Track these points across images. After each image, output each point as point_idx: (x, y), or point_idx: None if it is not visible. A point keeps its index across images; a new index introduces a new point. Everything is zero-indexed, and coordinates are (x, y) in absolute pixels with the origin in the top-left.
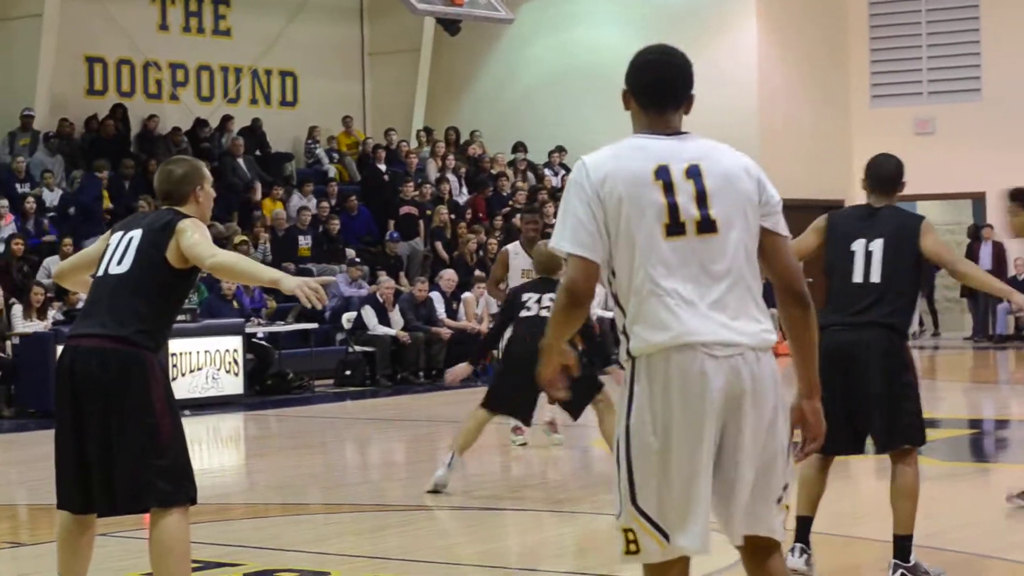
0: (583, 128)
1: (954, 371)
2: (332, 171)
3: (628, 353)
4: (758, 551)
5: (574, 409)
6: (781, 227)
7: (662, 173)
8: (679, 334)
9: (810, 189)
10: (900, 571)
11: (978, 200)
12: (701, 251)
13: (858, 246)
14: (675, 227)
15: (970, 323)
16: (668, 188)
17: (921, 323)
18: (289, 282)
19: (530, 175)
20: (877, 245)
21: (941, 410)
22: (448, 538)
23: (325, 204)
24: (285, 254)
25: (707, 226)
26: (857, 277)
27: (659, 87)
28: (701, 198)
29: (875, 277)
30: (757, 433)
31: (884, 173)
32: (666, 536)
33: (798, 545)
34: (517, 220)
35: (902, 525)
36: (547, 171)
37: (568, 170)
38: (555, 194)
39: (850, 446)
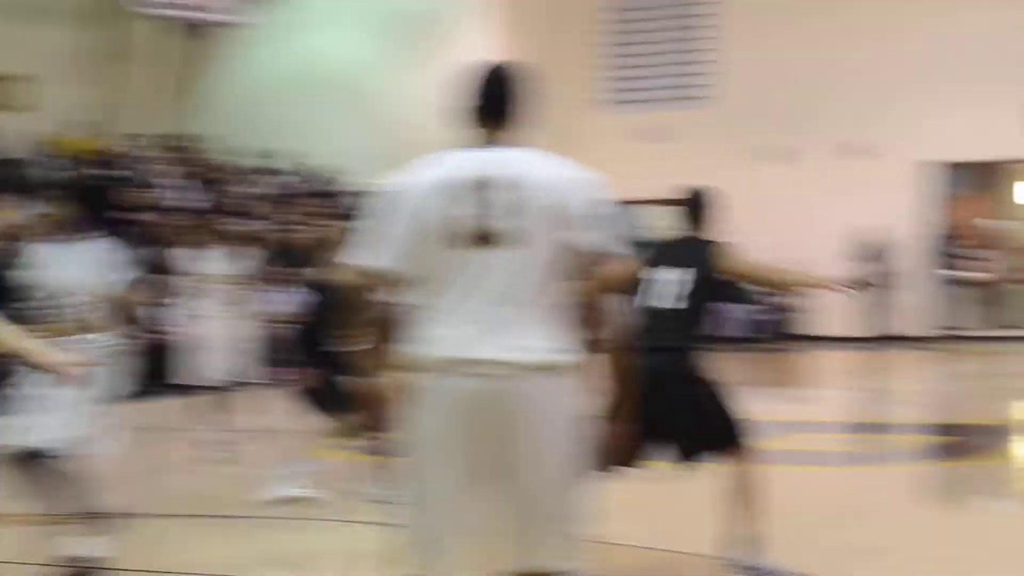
0: (323, 134)
1: None
2: (68, 177)
3: (406, 362)
4: None
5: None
6: (599, 245)
7: (461, 183)
8: (445, 348)
9: None
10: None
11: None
12: (484, 265)
13: (663, 273)
14: (460, 239)
15: None
16: (462, 199)
17: None
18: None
19: (269, 180)
20: (681, 273)
21: None
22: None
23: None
24: None
25: (496, 238)
26: (664, 303)
27: (481, 103)
28: (497, 209)
29: (681, 303)
30: (527, 457)
31: (689, 204)
32: (429, 558)
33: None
34: (256, 226)
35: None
36: (286, 177)
37: (303, 176)
38: (293, 200)
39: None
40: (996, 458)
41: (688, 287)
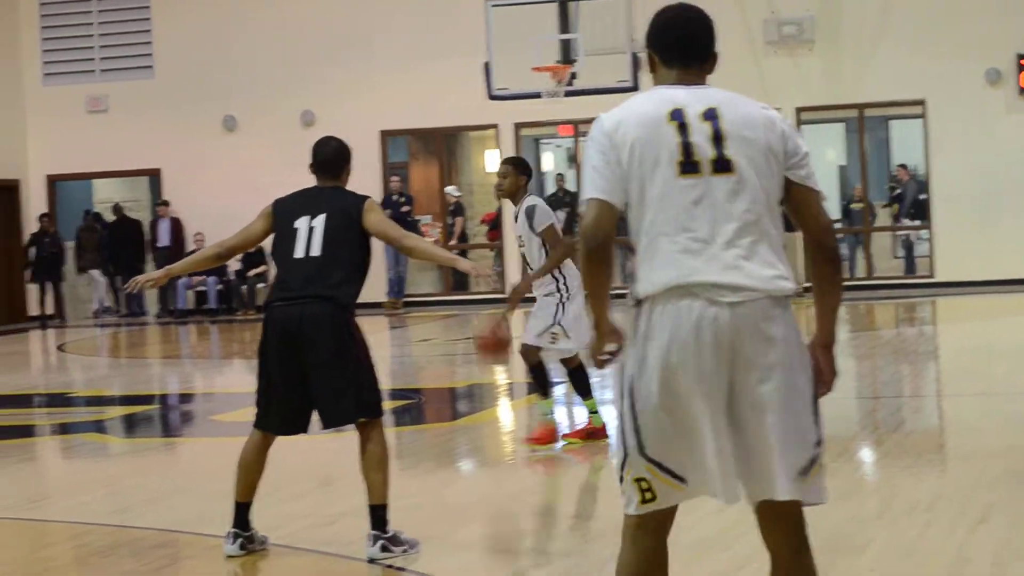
0: None
1: (137, 348)
2: None
3: (634, 297)
4: (778, 517)
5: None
6: (811, 181)
7: (677, 115)
8: (683, 274)
9: None
10: (380, 541)
11: (155, 177)
12: (715, 191)
13: (301, 223)
14: (689, 166)
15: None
16: (682, 128)
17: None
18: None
19: None
20: (319, 221)
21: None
22: None
23: None
24: None
25: (723, 166)
26: (299, 253)
27: (682, 43)
28: (717, 138)
29: (315, 251)
30: (769, 385)
31: (323, 156)
32: (682, 480)
33: (233, 531)
34: None
35: (377, 496)
36: None
37: None
38: None
39: (297, 425)
40: (456, 421)
41: (330, 235)
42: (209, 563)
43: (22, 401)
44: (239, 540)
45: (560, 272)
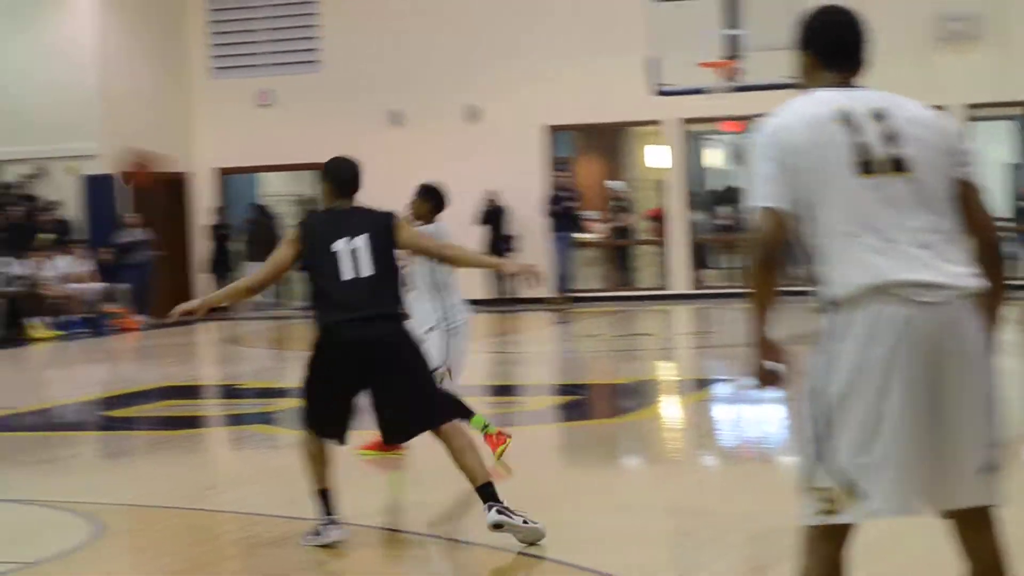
0: None
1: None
2: None
3: (825, 299)
4: (975, 523)
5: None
6: (974, 176)
7: (844, 116)
8: (877, 274)
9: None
10: (495, 507)
11: (317, 171)
12: (897, 190)
13: (340, 246)
14: (866, 165)
15: None
16: (853, 128)
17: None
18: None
19: None
20: (361, 242)
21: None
22: None
23: None
24: None
25: (900, 165)
26: (348, 275)
27: (842, 45)
28: (890, 138)
29: (366, 271)
30: (963, 387)
31: (347, 176)
32: (860, 494)
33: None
34: None
35: (481, 476)
36: None
37: None
38: None
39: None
40: (624, 417)
41: (376, 254)
42: (375, 551)
43: (192, 392)
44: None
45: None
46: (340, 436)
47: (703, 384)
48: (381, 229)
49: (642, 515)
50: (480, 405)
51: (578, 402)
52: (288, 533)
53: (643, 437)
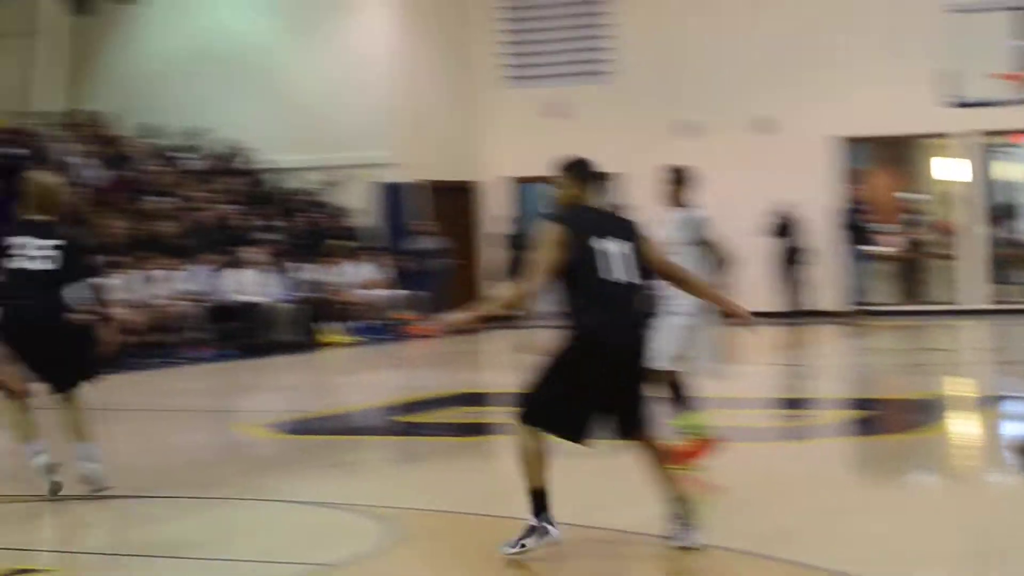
0: (217, 111)
1: None
2: None
3: None
4: None
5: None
6: None
7: None
8: None
9: (441, 171)
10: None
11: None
12: None
13: (611, 246)
14: None
15: None
16: None
17: None
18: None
19: (175, 158)
20: (629, 248)
21: None
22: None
23: None
24: None
25: None
26: (617, 275)
27: None
28: None
29: (628, 277)
30: None
31: (596, 174)
32: None
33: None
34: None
35: (677, 486)
36: (182, 154)
37: (199, 152)
38: (187, 177)
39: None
40: (915, 433)
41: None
42: (665, 565)
43: (481, 400)
44: None
45: None
46: (577, 435)
47: (996, 400)
48: (638, 239)
49: (933, 533)
50: (770, 417)
51: (869, 417)
52: (589, 540)
53: (933, 453)
